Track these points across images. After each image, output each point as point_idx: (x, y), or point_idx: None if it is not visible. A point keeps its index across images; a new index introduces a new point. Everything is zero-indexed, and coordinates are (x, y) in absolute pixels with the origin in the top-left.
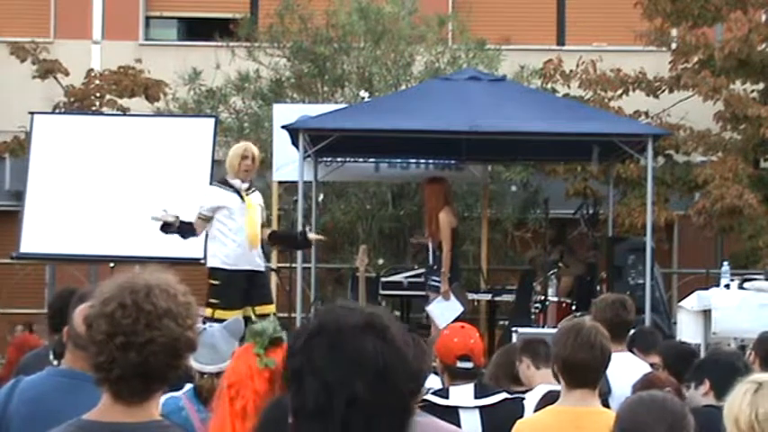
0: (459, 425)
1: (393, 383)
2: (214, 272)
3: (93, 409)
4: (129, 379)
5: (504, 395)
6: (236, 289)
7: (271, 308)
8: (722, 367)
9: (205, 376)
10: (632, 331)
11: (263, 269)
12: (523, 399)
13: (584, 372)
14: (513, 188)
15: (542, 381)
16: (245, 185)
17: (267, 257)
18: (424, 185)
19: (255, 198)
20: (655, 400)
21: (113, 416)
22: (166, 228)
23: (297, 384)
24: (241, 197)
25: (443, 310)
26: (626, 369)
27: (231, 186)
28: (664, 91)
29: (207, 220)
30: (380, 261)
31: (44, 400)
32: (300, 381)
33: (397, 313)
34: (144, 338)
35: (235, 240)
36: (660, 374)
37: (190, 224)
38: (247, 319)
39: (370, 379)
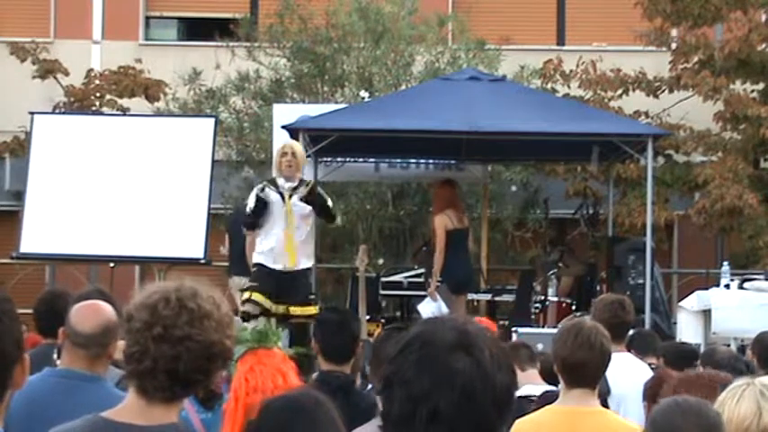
0: None
1: (477, 403)
2: (254, 265)
3: (114, 408)
4: (157, 373)
5: None
6: (267, 278)
7: (307, 309)
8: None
9: None
10: (631, 332)
11: (300, 268)
12: (531, 398)
13: (584, 371)
14: (513, 188)
15: (527, 381)
16: (291, 184)
17: None
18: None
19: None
20: (691, 406)
21: (131, 416)
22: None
23: (387, 391)
24: (283, 199)
25: (432, 310)
26: (625, 370)
27: (276, 186)
28: (664, 91)
29: (254, 219)
30: (380, 261)
31: (42, 400)
32: (390, 388)
33: (397, 313)
34: (182, 333)
35: (268, 241)
36: (671, 372)
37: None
38: (284, 317)
39: (454, 396)
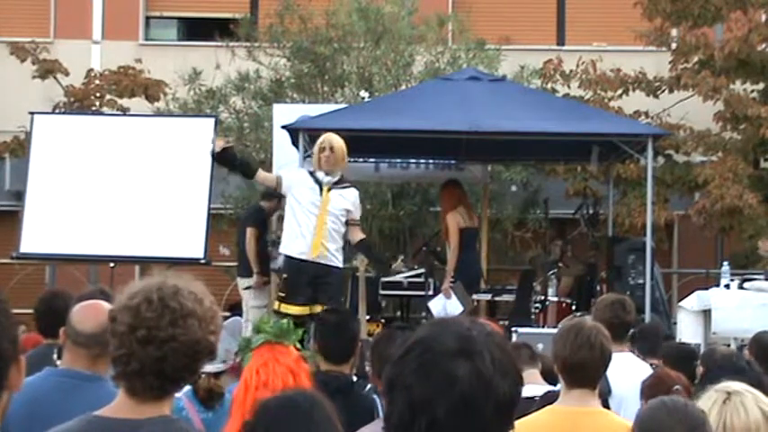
0: None
1: (478, 411)
2: (285, 261)
3: (107, 406)
4: (145, 375)
5: None
6: (302, 283)
7: None
8: (727, 372)
9: (203, 376)
10: (632, 330)
11: (334, 265)
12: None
13: (584, 371)
14: (513, 188)
15: (528, 381)
16: (330, 179)
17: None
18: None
19: (343, 195)
20: (677, 405)
21: (123, 412)
22: (225, 155)
23: (389, 395)
24: (321, 191)
25: (444, 307)
26: (626, 370)
27: (315, 177)
28: (664, 91)
29: (278, 185)
30: None
31: (43, 400)
32: (392, 392)
33: (397, 313)
34: (166, 334)
35: (306, 234)
36: (670, 372)
37: (249, 165)
38: (312, 317)
39: (453, 404)
